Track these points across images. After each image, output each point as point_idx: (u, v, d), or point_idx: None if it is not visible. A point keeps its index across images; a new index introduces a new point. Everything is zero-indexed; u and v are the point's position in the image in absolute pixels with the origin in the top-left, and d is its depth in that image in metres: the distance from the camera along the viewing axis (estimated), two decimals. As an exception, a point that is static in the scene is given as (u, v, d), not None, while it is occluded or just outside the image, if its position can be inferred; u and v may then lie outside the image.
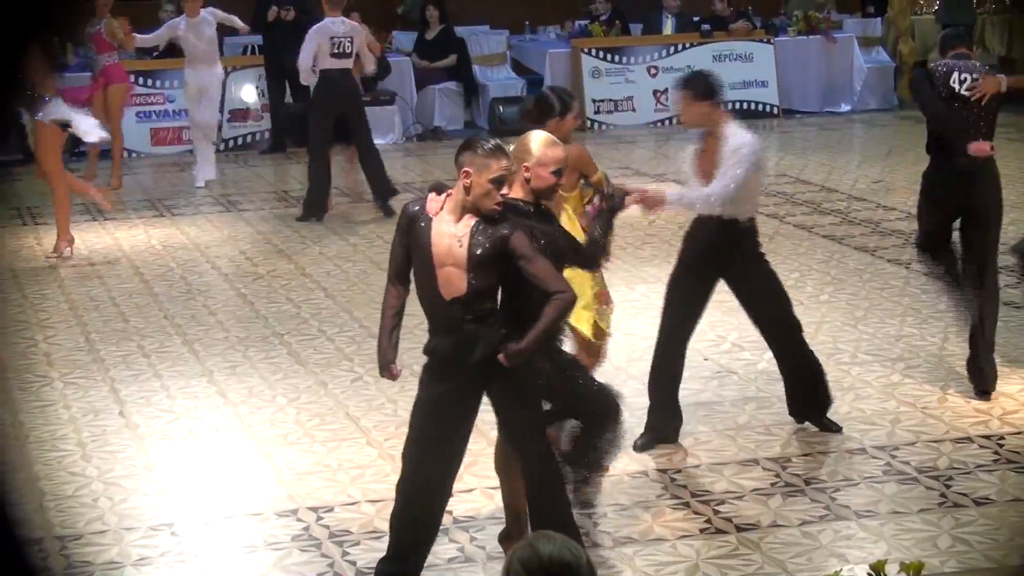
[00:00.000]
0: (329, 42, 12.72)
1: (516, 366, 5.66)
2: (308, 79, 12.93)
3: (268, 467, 7.36)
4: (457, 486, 6.55)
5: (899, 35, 18.34)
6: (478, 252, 5.60)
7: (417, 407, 5.88)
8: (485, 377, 5.73)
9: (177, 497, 7.02)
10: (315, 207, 12.93)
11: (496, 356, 5.65)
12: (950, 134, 7.99)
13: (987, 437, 7.45)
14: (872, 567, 4.60)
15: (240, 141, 16.55)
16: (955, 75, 7.99)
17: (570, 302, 5.65)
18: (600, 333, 7.00)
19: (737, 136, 7.19)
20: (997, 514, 6.55)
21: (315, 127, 13.03)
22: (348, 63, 12.87)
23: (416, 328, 6.54)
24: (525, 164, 5.92)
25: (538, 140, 5.99)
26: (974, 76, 7.97)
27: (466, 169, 5.63)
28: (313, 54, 12.71)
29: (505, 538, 6.26)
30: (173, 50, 15.72)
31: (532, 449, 5.86)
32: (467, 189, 5.64)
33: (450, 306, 5.67)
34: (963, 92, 7.96)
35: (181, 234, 12.58)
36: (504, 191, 5.63)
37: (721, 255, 7.32)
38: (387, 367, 5.88)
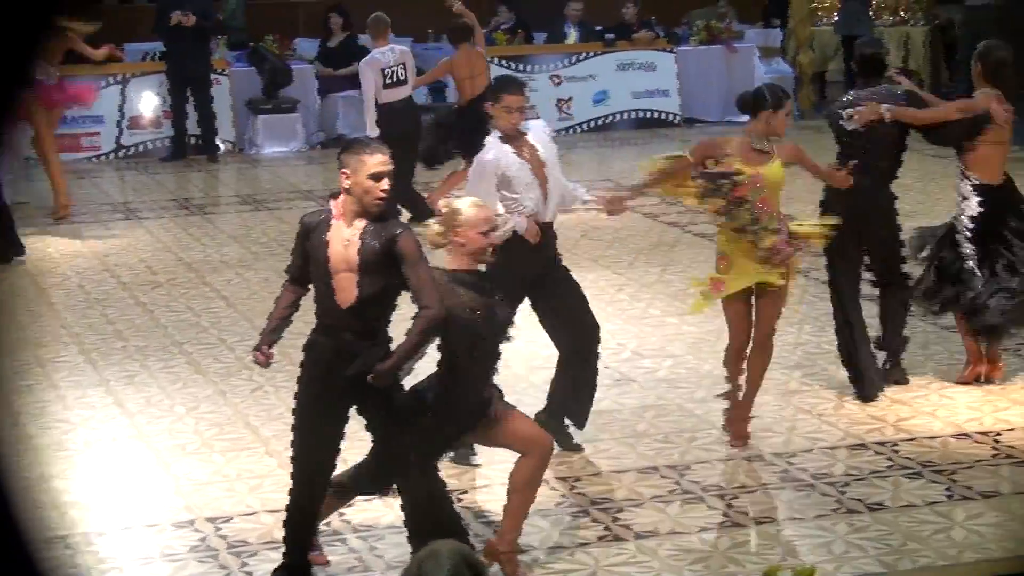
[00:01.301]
0: (380, 74, 12.33)
1: (386, 384, 5.68)
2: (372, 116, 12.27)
3: (166, 477, 7.29)
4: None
5: (799, 46, 18.54)
6: (368, 253, 5.62)
7: (296, 405, 5.90)
8: (358, 390, 5.73)
9: (72, 509, 6.93)
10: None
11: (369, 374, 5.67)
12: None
13: (882, 444, 7.55)
14: (765, 573, 4.66)
15: (140, 148, 16.37)
16: (846, 112, 8.10)
17: (437, 319, 5.63)
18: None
19: None
20: (891, 519, 6.65)
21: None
22: (406, 91, 12.48)
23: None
24: (455, 231, 5.88)
25: (464, 204, 6.00)
26: (859, 106, 8.04)
27: (344, 170, 5.69)
28: (374, 89, 12.27)
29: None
30: (70, 56, 15.48)
31: (408, 461, 5.86)
32: (348, 190, 5.67)
33: (343, 314, 5.68)
34: (848, 127, 8.06)
35: (79, 242, 12.43)
36: (385, 186, 5.65)
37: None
38: (259, 347, 5.94)
